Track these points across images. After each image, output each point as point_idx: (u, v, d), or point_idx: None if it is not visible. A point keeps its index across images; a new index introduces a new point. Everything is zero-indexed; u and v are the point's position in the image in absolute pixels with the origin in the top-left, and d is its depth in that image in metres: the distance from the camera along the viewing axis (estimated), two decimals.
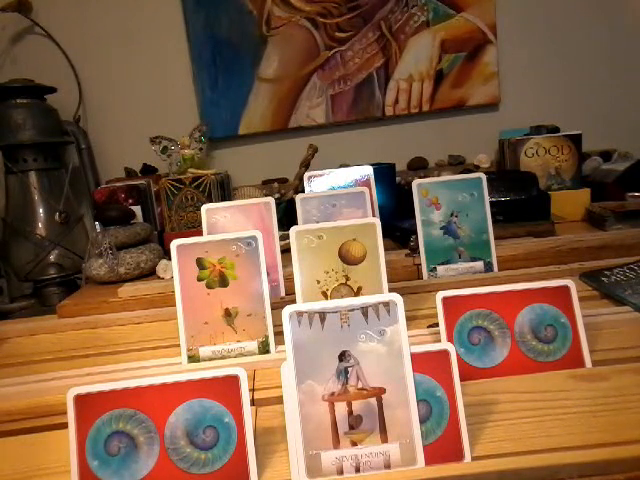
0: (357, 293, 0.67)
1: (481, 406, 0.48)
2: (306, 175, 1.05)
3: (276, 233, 0.83)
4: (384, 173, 1.15)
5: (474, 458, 0.42)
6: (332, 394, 0.44)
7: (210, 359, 0.63)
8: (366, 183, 1.00)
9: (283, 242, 0.84)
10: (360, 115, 1.46)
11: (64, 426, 0.43)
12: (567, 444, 0.42)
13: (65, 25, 1.43)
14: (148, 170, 1.43)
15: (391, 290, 0.65)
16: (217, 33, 1.42)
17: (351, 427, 0.43)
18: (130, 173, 1.43)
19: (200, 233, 0.81)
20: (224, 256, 0.65)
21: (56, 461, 0.48)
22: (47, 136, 1.26)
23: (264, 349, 0.63)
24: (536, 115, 1.41)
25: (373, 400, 0.44)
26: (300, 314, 0.45)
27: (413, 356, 0.44)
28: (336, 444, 0.43)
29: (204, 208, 0.83)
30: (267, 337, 0.63)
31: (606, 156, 1.35)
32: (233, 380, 0.44)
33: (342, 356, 0.45)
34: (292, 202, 0.91)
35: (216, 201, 1.15)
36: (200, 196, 1.16)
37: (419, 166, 1.45)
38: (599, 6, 1.43)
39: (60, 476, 0.46)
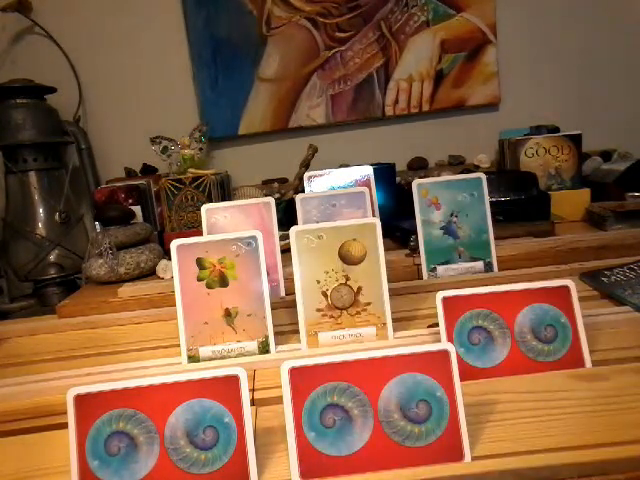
0: (357, 293, 0.66)
1: (481, 406, 0.48)
2: (306, 175, 1.05)
3: (276, 233, 0.83)
4: (384, 173, 1.15)
5: (474, 458, 0.42)
6: None
7: (210, 359, 0.63)
8: (366, 183, 1.00)
9: (283, 242, 0.84)
10: (360, 115, 1.46)
11: (64, 426, 0.43)
12: (567, 444, 0.42)
13: (65, 25, 1.42)
14: (148, 170, 1.43)
15: (391, 290, 0.65)
16: (217, 33, 1.42)
17: None
18: (130, 173, 1.43)
19: (200, 233, 0.81)
20: (224, 256, 0.65)
21: (56, 461, 0.48)
22: (47, 136, 1.25)
23: (264, 349, 0.63)
24: (536, 115, 1.40)
25: None
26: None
27: (413, 356, 0.44)
28: None
29: (204, 208, 0.83)
30: (267, 337, 0.63)
31: (606, 156, 1.34)
32: (233, 380, 0.44)
33: None
34: (292, 202, 0.91)
35: (216, 201, 1.15)
36: (200, 196, 1.16)
37: (419, 166, 1.45)
38: (599, 6, 1.43)
39: (60, 476, 0.46)
